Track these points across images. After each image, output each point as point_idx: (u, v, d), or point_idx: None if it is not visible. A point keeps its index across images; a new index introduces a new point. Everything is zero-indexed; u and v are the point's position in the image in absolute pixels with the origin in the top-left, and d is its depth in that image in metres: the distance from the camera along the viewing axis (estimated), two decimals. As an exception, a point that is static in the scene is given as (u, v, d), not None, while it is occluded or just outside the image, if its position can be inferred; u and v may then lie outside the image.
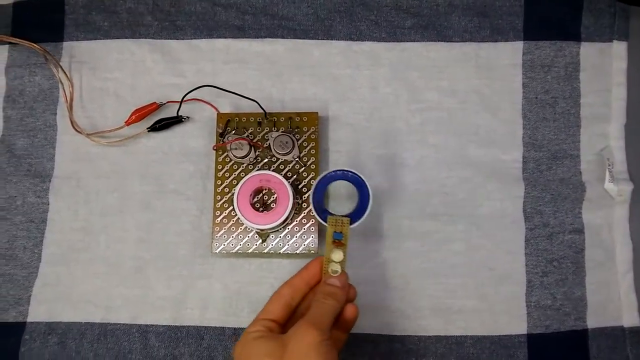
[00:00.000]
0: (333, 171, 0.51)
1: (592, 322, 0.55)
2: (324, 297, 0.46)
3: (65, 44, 0.62)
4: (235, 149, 0.56)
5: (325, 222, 0.51)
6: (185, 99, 0.58)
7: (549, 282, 0.55)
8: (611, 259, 0.56)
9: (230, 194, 0.56)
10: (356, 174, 0.51)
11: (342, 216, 0.50)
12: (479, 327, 0.55)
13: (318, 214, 0.51)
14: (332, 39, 0.60)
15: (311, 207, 0.51)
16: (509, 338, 0.55)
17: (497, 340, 0.55)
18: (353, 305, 0.48)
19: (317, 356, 0.41)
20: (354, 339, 0.55)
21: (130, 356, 0.56)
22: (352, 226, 0.50)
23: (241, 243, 0.55)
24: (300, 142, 0.57)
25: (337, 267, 0.49)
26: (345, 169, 0.51)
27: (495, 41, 0.59)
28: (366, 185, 0.51)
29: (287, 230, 0.55)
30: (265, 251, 0.55)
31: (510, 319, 0.55)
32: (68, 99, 0.60)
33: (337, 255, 0.49)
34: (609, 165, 0.56)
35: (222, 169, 0.57)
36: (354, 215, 0.51)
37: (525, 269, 0.56)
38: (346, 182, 0.52)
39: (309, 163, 0.57)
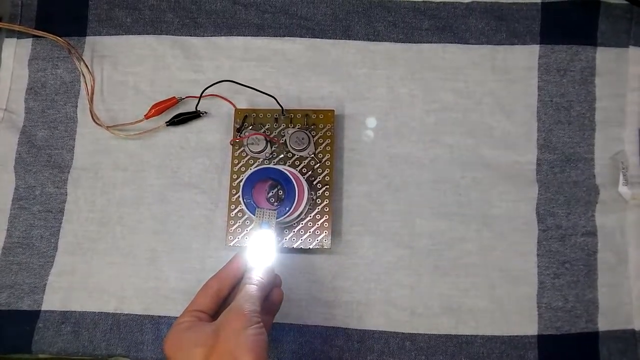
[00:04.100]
0: (259, 169, 0.54)
1: (603, 324, 0.55)
2: (249, 284, 0.46)
3: (88, 38, 0.63)
4: (252, 144, 0.57)
5: (253, 214, 0.52)
6: (203, 94, 0.58)
7: (561, 283, 0.55)
8: (623, 262, 0.56)
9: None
10: (282, 171, 0.54)
11: (270, 210, 0.52)
12: (489, 327, 0.55)
13: (248, 209, 0.53)
14: (349, 39, 0.61)
15: (241, 202, 0.53)
16: (519, 339, 0.55)
17: (507, 340, 0.55)
18: (279, 289, 0.50)
19: (246, 340, 0.41)
20: (364, 335, 0.55)
21: (142, 347, 0.56)
22: (278, 219, 0.52)
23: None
24: (316, 139, 0.58)
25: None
26: (272, 166, 0.55)
27: (511, 44, 0.60)
28: (292, 181, 0.53)
29: (300, 226, 0.56)
30: (278, 245, 0.56)
31: (521, 320, 0.55)
32: (89, 92, 0.61)
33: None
34: (623, 169, 0.56)
35: (238, 163, 0.58)
36: (279, 209, 0.53)
37: (537, 270, 0.56)
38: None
39: (324, 160, 0.57)
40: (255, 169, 0.54)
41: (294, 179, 0.54)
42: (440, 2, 0.61)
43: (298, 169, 0.57)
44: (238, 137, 0.58)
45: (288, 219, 0.54)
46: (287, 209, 0.53)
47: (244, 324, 0.42)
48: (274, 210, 0.52)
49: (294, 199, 0.53)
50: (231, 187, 0.57)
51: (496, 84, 0.59)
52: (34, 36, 0.63)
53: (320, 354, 0.55)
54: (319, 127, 0.58)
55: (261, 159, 0.58)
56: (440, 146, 0.59)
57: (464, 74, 0.60)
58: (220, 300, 0.47)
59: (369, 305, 0.56)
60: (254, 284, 0.46)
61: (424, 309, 0.56)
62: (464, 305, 0.56)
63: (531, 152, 0.58)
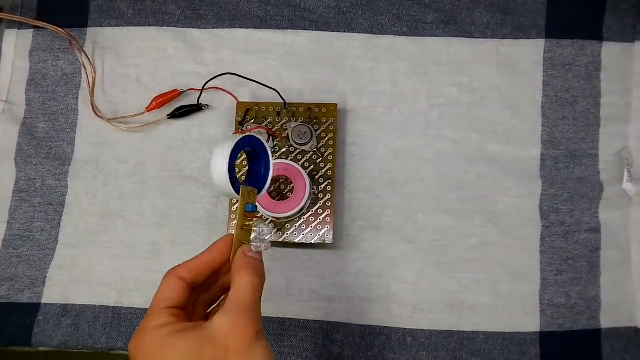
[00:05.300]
0: (244, 137, 0.44)
1: (606, 321, 0.55)
2: (251, 273, 0.39)
3: (89, 29, 0.63)
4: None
5: (238, 193, 0.43)
6: (205, 87, 0.58)
7: (564, 280, 0.55)
8: (626, 260, 0.56)
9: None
10: (260, 140, 0.45)
11: (250, 187, 0.43)
12: (491, 323, 0.55)
13: (232, 185, 0.43)
14: (353, 32, 0.60)
15: (225, 177, 0.42)
16: (521, 335, 0.54)
17: (509, 337, 0.54)
18: None
19: (261, 352, 0.36)
20: (366, 331, 0.55)
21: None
22: (258, 196, 0.44)
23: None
24: (318, 133, 0.57)
25: (261, 243, 0.42)
26: (250, 134, 0.45)
27: (516, 38, 0.59)
28: (267, 152, 0.46)
29: (302, 220, 0.56)
30: (280, 240, 0.55)
31: (524, 316, 0.55)
32: (90, 84, 0.61)
33: (261, 228, 0.43)
34: (628, 165, 0.56)
35: (240, 157, 0.57)
36: (258, 185, 0.45)
37: (540, 266, 0.56)
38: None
39: (326, 154, 0.57)
40: (239, 138, 0.44)
41: (296, 172, 0.53)
42: (445, -5, 0.61)
43: (300, 163, 0.57)
44: (240, 131, 0.58)
45: (290, 214, 0.54)
46: (264, 183, 0.45)
47: (253, 333, 0.36)
48: (254, 188, 0.44)
49: (269, 174, 0.46)
50: (233, 181, 0.57)
51: (501, 79, 0.59)
52: (35, 27, 0.63)
53: (321, 349, 0.55)
54: (322, 121, 0.57)
55: (263, 153, 0.57)
56: (444, 141, 0.58)
57: (469, 68, 0.59)
58: (192, 291, 0.41)
59: (371, 300, 0.56)
60: (255, 275, 0.39)
61: (426, 305, 0.55)
62: (466, 301, 0.55)
63: (535, 148, 0.58)
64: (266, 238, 0.43)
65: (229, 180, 0.42)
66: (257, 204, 0.43)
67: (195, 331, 0.37)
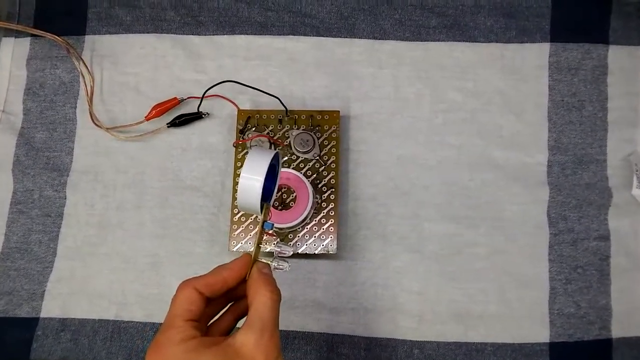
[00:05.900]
0: (276, 153, 0.43)
1: (617, 331, 0.53)
2: (271, 290, 0.39)
3: (87, 37, 0.62)
4: (255, 145, 0.55)
5: (261, 211, 0.43)
6: (206, 95, 0.57)
7: (573, 289, 0.54)
8: (637, 267, 0.55)
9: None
10: (280, 155, 0.45)
11: (265, 204, 0.42)
12: (500, 334, 0.54)
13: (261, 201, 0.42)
14: (355, 37, 0.60)
15: (258, 196, 0.41)
16: (530, 346, 0.53)
17: (518, 348, 0.53)
18: None
19: None
20: (371, 343, 0.54)
21: (143, 355, 0.55)
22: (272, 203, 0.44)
23: (259, 241, 0.55)
24: (321, 140, 0.56)
25: (283, 263, 0.42)
26: (278, 150, 0.45)
27: (521, 42, 0.58)
28: (280, 166, 0.45)
29: (305, 230, 0.55)
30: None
31: (533, 327, 0.54)
32: (88, 93, 0.60)
33: (283, 248, 0.43)
34: (637, 171, 0.55)
35: (241, 165, 0.56)
36: (267, 199, 0.43)
37: (548, 275, 0.54)
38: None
39: (329, 162, 0.56)
40: (275, 151, 0.44)
41: (298, 181, 0.53)
42: (448, -1, 0.60)
43: (303, 171, 0.56)
44: (241, 139, 0.57)
45: (293, 224, 0.53)
46: (271, 196, 0.44)
47: (276, 357, 0.37)
48: (268, 203, 0.43)
49: (275, 186, 0.45)
50: (234, 191, 0.56)
51: (506, 83, 0.58)
52: (32, 35, 0.62)
53: (326, 362, 0.54)
54: (324, 128, 0.56)
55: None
56: (449, 147, 0.57)
57: (473, 73, 0.58)
58: (206, 306, 0.40)
59: (376, 311, 0.55)
60: (275, 293, 0.39)
61: (433, 316, 0.54)
62: (473, 311, 0.54)
63: (542, 153, 0.57)
64: (288, 254, 0.43)
65: (260, 199, 0.42)
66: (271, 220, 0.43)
67: (223, 347, 0.37)
